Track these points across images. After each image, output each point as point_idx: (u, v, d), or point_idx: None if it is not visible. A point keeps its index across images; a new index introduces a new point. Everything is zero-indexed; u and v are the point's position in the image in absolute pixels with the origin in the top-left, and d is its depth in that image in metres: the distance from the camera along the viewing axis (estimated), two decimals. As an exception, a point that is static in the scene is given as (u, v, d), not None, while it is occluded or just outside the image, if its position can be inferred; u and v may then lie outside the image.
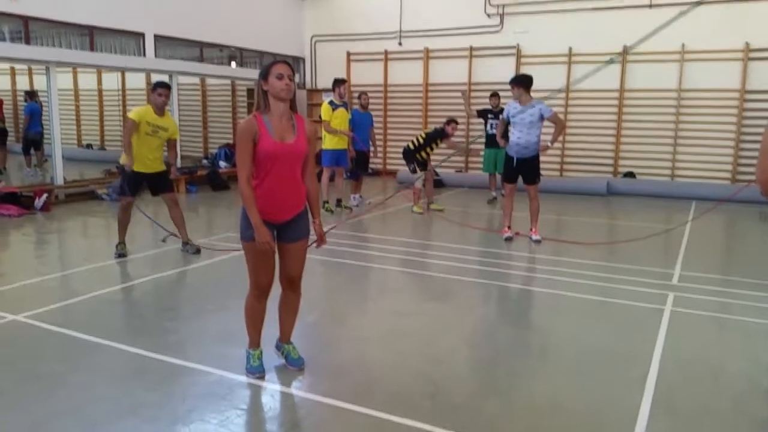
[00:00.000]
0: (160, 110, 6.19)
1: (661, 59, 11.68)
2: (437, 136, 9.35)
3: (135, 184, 6.32)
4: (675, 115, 11.77)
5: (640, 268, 6.12)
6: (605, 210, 10.24)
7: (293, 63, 15.11)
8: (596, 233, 8.06)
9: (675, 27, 11.44)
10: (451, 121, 9.53)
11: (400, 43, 14.14)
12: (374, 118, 10.54)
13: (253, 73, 13.55)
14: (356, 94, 10.52)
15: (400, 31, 14.05)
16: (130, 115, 6.14)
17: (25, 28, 9.46)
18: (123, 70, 13.12)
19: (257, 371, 3.51)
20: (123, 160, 6.22)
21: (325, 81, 14.53)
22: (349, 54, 14.70)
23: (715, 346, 4.24)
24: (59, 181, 9.85)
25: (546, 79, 12.06)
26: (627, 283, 5.59)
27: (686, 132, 11.78)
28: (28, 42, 9.50)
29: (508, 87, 7.43)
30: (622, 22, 11.84)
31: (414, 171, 9.44)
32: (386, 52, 14.27)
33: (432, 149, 9.42)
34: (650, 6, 11.57)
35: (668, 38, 11.48)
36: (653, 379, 3.59)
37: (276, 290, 3.56)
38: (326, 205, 9.08)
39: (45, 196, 9.14)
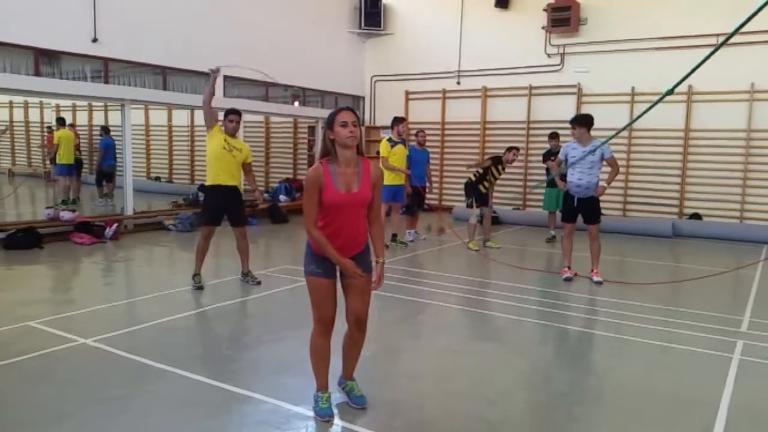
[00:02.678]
0: (232, 135, 6.53)
1: (729, 99, 11.37)
2: (494, 163, 9.37)
3: (215, 211, 6.54)
4: (744, 156, 11.37)
5: (706, 313, 5.88)
6: (670, 252, 9.91)
7: (353, 102, 15.49)
8: (661, 276, 7.79)
9: (744, 66, 11.19)
10: (512, 148, 9.59)
11: (458, 82, 14.29)
12: (431, 155, 10.64)
13: (315, 112, 14.01)
14: (414, 131, 10.67)
15: (459, 71, 14.22)
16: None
17: (105, 69, 10.10)
18: (192, 108, 13.74)
19: (326, 414, 3.46)
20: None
21: (383, 118, 14.82)
22: (407, 93, 14.95)
23: (790, 398, 4.00)
24: (129, 211, 10.33)
25: (608, 118, 11.93)
26: (692, 329, 5.37)
27: (756, 173, 11.34)
28: (106, 81, 10.12)
29: (569, 126, 7.39)
30: (686, 60, 11.53)
31: (470, 206, 9.47)
32: (444, 91, 14.44)
33: (494, 177, 9.43)
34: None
35: (736, 77, 11.23)
36: (720, 429, 3.42)
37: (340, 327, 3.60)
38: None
39: (115, 225, 9.59)
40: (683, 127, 11.82)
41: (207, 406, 3.60)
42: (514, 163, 10.02)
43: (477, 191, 9.38)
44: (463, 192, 9.92)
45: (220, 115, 6.83)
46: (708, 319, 5.69)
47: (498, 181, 9.99)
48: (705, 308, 6.05)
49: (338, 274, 3.46)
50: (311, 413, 3.50)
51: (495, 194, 10.34)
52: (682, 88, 11.58)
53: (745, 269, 7.99)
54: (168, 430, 3.31)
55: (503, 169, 9.58)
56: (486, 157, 9.69)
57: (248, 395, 3.76)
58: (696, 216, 11.70)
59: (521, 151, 13.17)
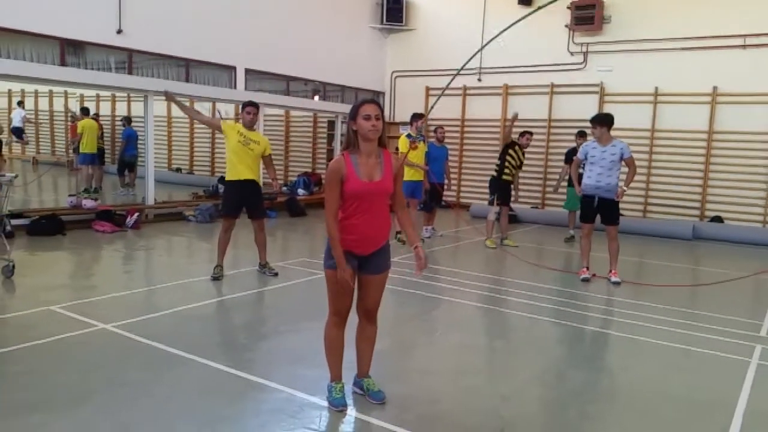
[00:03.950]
0: (249, 128, 6.54)
1: (754, 101, 11.19)
2: (507, 148, 9.35)
3: (235, 204, 6.61)
4: (768, 159, 11.22)
5: (724, 317, 5.82)
6: (690, 255, 9.80)
7: (374, 97, 15.50)
8: (680, 279, 7.72)
9: (770, 67, 11.03)
10: (526, 132, 9.60)
11: (479, 79, 14.24)
12: (450, 152, 10.61)
13: (335, 106, 14.06)
14: (433, 128, 10.65)
15: (480, 68, 14.16)
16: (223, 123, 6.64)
17: (129, 60, 10.22)
18: (214, 101, 13.86)
19: (339, 404, 3.50)
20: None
21: (402, 114, 14.80)
22: (427, 89, 14.93)
23: (808, 404, 3.96)
24: (150, 201, 10.46)
25: (630, 118, 11.83)
26: (710, 332, 5.32)
27: (781, 177, 11.18)
28: (130, 72, 10.25)
29: (590, 125, 7.34)
30: (712, 61, 11.48)
31: (491, 203, 9.45)
32: (465, 88, 14.39)
33: (513, 161, 9.37)
34: (744, 46, 11.16)
35: (762, 79, 11.06)
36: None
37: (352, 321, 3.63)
38: (398, 236, 9.16)
39: (136, 215, 9.72)
40: (707, 128, 11.67)
41: (224, 393, 3.66)
42: (534, 162, 9.95)
43: (503, 184, 9.34)
44: (484, 189, 9.88)
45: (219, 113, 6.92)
46: (726, 322, 5.63)
47: (520, 179, 9.94)
48: (724, 312, 5.99)
49: (356, 268, 3.47)
50: (325, 403, 3.54)
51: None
52: (707, 89, 11.50)
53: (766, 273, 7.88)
54: (188, 415, 3.37)
55: (523, 154, 9.51)
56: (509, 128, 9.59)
57: (264, 384, 3.81)
58: (717, 219, 11.55)
59: (541, 151, 13.12)
